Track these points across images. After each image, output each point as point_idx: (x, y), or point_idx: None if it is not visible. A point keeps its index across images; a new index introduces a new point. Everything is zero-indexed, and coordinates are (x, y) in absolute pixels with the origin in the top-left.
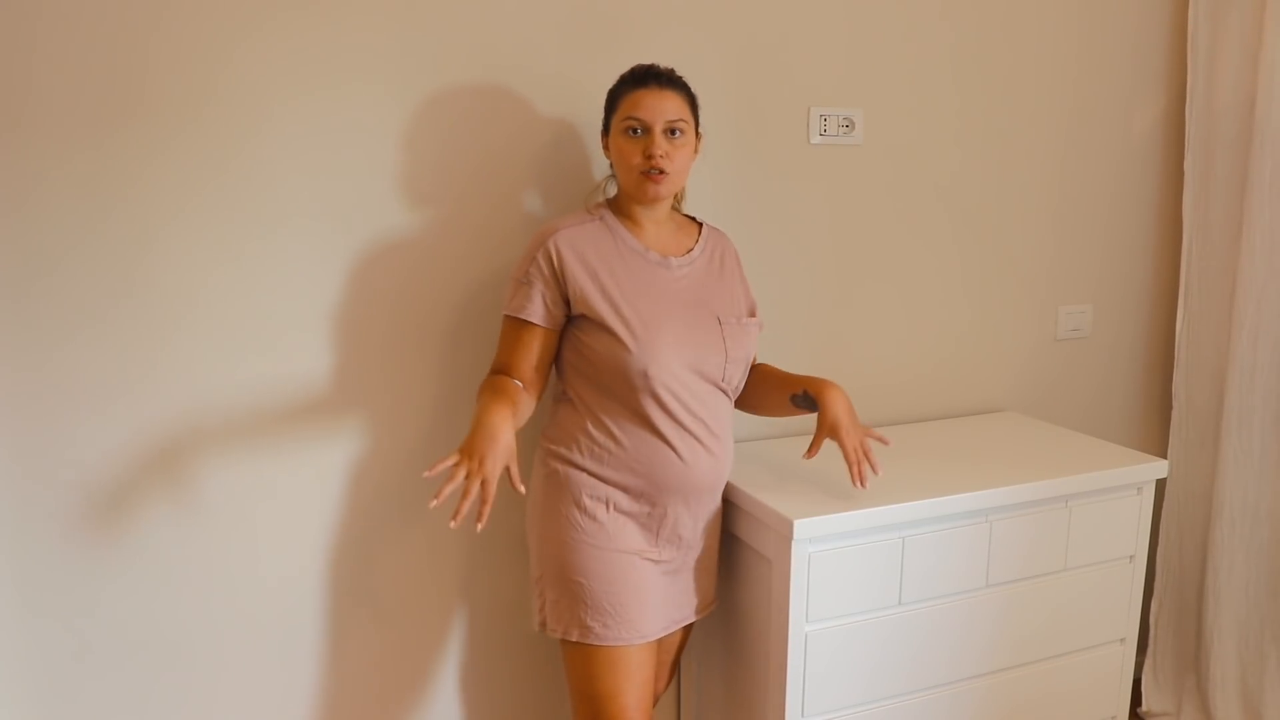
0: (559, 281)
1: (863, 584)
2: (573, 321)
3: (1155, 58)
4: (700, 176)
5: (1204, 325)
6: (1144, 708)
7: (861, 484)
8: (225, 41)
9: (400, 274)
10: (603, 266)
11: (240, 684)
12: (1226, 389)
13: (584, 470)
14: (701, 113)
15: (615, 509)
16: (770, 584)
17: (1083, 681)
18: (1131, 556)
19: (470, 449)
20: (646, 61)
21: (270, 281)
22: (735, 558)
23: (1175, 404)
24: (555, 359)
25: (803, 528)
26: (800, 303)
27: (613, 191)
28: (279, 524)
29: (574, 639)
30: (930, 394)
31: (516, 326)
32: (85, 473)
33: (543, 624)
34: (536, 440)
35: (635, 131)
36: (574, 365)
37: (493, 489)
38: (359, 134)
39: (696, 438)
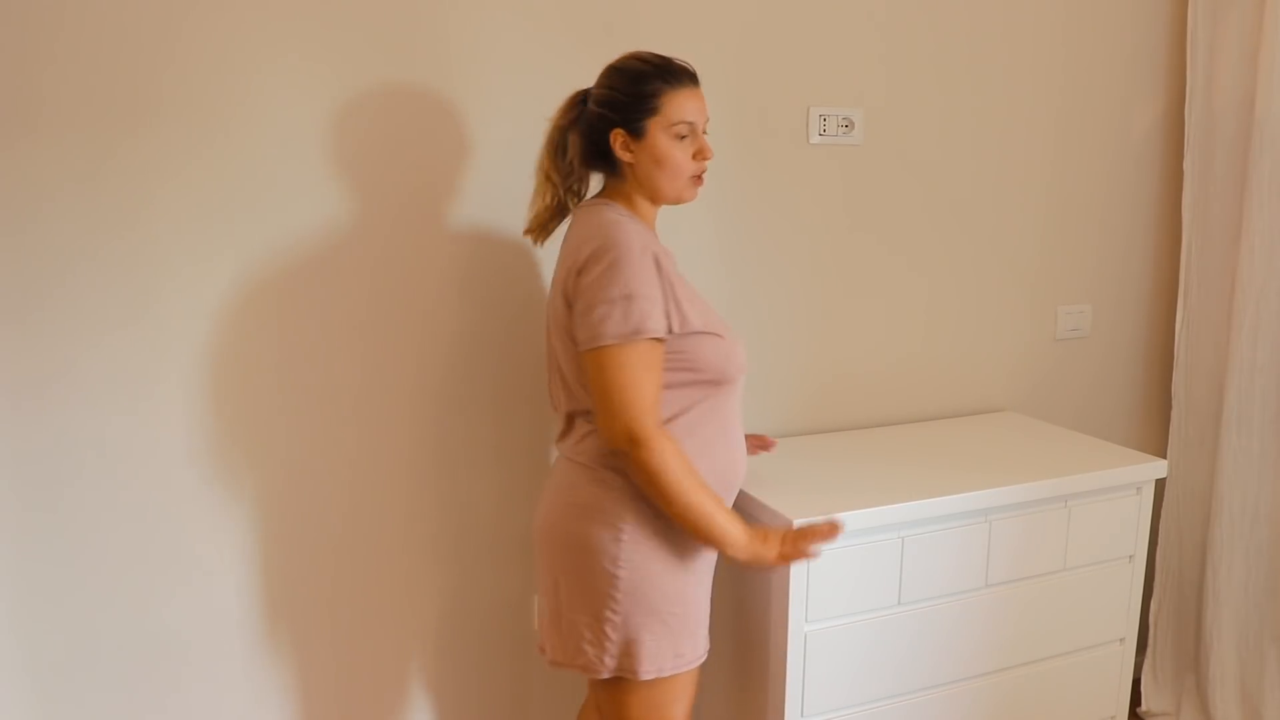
0: (669, 291)
1: (862, 584)
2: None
3: (1155, 58)
4: None
5: (1203, 325)
6: (1144, 707)
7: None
8: (212, 34)
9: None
10: (670, 265)
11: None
12: (1226, 389)
13: None
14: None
15: None
16: (770, 584)
17: (1082, 681)
18: (1131, 556)
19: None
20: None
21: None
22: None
23: (1174, 403)
24: None
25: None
26: (799, 302)
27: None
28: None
29: (667, 674)
30: (930, 394)
31: (649, 350)
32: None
33: (616, 670)
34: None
35: (683, 135)
36: (668, 381)
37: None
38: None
39: (742, 433)
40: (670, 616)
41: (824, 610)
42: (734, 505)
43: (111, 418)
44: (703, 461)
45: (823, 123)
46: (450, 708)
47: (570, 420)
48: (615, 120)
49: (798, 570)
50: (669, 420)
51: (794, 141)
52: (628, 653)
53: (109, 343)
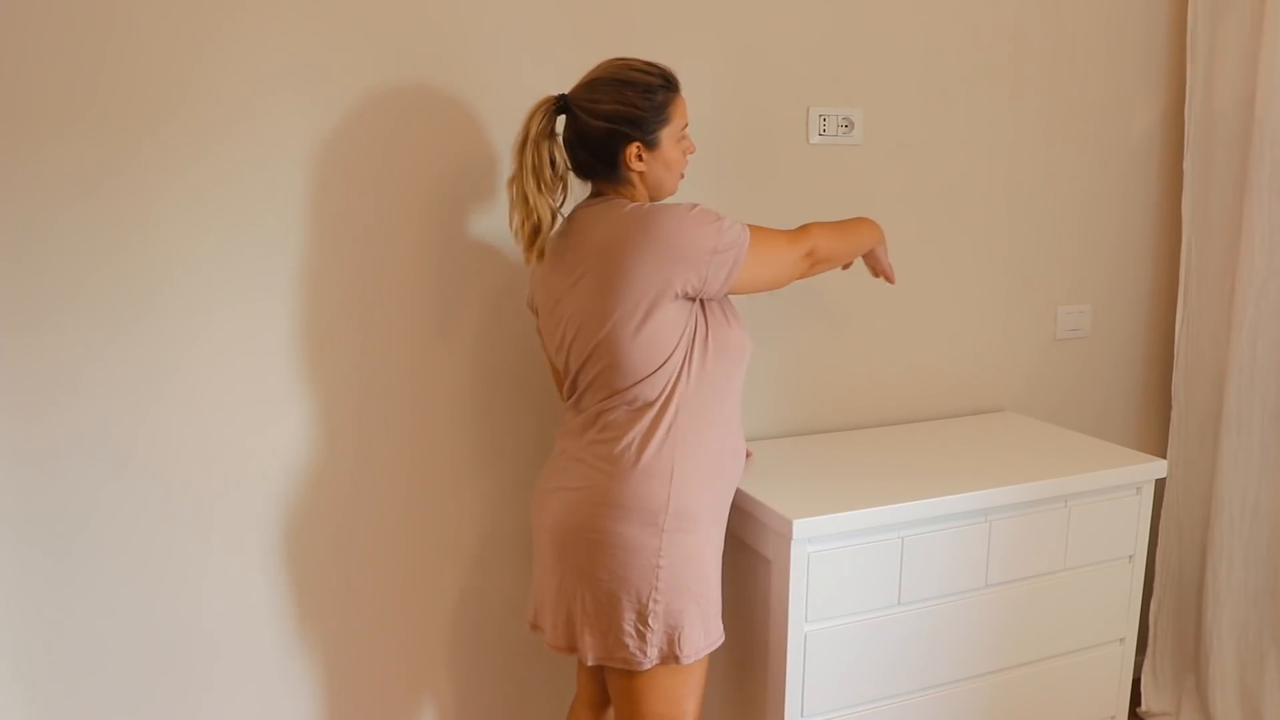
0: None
1: (862, 584)
2: (701, 314)
3: (1155, 58)
4: (699, 176)
5: (1203, 325)
6: (1143, 708)
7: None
8: (200, 40)
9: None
10: None
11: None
12: (1226, 389)
13: (700, 478)
14: (700, 112)
15: (717, 516)
16: (770, 584)
17: (1082, 681)
18: (1131, 556)
19: None
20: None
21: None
22: (734, 558)
23: (1174, 404)
24: (666, 360)
25: (802, 528)
26: (799, 303)
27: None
28: (251, 520)
29: (702, 654)
30: (930, 394)
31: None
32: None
33: (659, 659)
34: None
35: (682, 136)
36: (693, 364)
37: None
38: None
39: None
40: (702, 598)
41: (824, 610)
42: (733, 505)
43: (119, 421)
44: (713, 445)
45: (823, 123)
46: (457, 703)
47: (597, 415)
48: (630, 135)
49: (798, 570)
50: (685, 397)
51: (794, 141)
52: (670, 639)
53: (113, 346)
